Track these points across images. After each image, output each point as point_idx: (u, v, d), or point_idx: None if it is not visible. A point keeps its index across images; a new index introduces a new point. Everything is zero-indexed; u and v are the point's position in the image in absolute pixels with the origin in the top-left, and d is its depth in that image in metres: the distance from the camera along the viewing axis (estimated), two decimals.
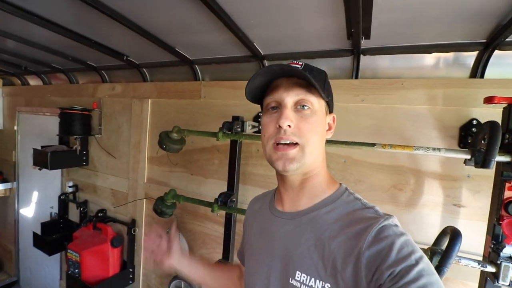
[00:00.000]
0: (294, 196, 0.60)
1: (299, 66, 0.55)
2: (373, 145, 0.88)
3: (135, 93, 1.73)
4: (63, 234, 1.95)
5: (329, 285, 0.49)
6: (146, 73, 1.69)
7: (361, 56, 1.07)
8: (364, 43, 0.99)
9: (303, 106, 0.54)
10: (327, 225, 0.53)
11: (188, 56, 1.40)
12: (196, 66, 1.47)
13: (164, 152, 1.45)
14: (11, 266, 2.69)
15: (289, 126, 0.52)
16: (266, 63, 1.26)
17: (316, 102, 0.55)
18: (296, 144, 0.53)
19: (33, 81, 2.44)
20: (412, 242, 0.47)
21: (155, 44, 1.28)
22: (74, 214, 2.06)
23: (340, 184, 0.60)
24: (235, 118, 1.15)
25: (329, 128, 0.60)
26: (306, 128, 0.53)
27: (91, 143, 1.93)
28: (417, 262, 0.43)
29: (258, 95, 0.61)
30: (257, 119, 1.27)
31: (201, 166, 1.48)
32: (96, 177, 1.91)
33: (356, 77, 1.10)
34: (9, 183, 2.59)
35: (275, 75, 0.57)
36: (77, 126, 1.72)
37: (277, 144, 0.54)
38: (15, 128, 2.55)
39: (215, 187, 1.42)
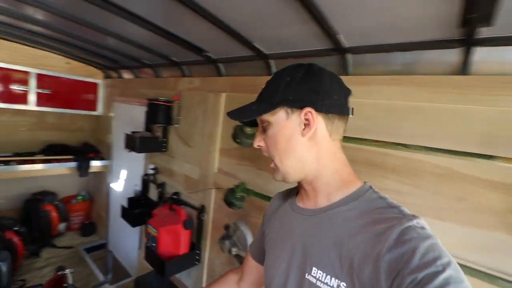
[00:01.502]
0: (311, 194, 0.61)
1: (265, 85, 0.63)
2: (489, 157, 0.72)
3: (211, 87, 1.82)
4: (144, 210, 2.22)
5: (345, 284, 0.48)
6: (222, 68, 1.76)
7: (476, 47, 0.88)
8: (482, 32, 0.81)
9: (264, 124, 0.61)
10: (347, 223, 0.52)
11: (263, 51, 1.40)
12: (271, 60, 1.45)
13: (234, 145, 1.49)
14: (102, 230, 3.23)
15: (261, 146, 0.62)
16: (350, 57, 1.16)
17: (268, 117, 0.59)
18: (272, 159, 0.60)
19: (126, 75, 2.81)
20: (439, 247, 0.43)
21: (233, 38, 1.30)
22: (153, 193, 2.32)
23: (365, 182, 0.59)
24: None
25: (308, 124, 0.57)
26: (269, 144, 0.60)
27: (170, 132, 2.13)
28: (444, 268, 0.40)
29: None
30: None
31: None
32: (173, 163, 2.11)
33: (466, 73, 0.92)
34: (105, 161, 3.08)
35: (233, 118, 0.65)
36: (160, 116, 1.91)
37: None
38: (111, 114, 2.99)
39: (283, 185, 1.40)
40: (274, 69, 1.48)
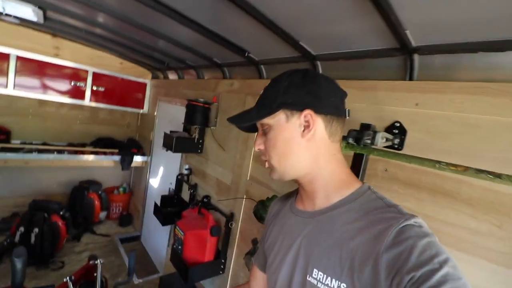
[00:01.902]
0: (310, 196, 0.62)
1: (262, 91, 0.65)
2: None
3: (250, 90, 1.73)
4: (175, 209, 2.22)
5: (345, 285, 0.48)
6: (264, 70, 1.66)
7: None
8: None
9: (264, 128, 0.62)
10: (346, 225, 0.53)
11: (311, 51, 1.26)
12: (318, 62, 1.31)
13: None
14: (138, 223, 3.35)
15: (261, 149, 0.63)
16: (416, 58, 0.96)
17: (268, 120, 0.60)
18: (267, 160, 0.63)
19: (172, 76, 2.89)
20: (436, 244, 0.44)
21: (278, 37, 1.19)
22: (185, 193, 2.31)
23: (363, 183, 0.59)
24: (365, 127, 0.92)
25: (307, 126, 0.58)
26: (268, 146, 0.61)
27: (207, 134, 2.10)
28: (440, 265, 0.40)
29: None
30: (392, 130, 0.99)
31: None
32: (207, 165, 2.07)
33: None
34: (146, 157, 3.21)
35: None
36: (198, 117, 1.88)
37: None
38: (155, 113, 3.11)
39: None
40: (321, 71, 1.33)
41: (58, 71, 2.59)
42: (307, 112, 0.57)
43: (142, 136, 3.47)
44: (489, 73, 0.85)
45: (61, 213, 2.55)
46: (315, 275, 0.54)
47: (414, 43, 0.92)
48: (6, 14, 1.81)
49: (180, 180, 2.36)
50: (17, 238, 2.22)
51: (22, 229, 2.23)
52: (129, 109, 3.20)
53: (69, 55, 2.66)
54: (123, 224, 3.40)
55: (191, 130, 2.29)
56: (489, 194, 0.80)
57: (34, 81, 2.49)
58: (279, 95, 0.59)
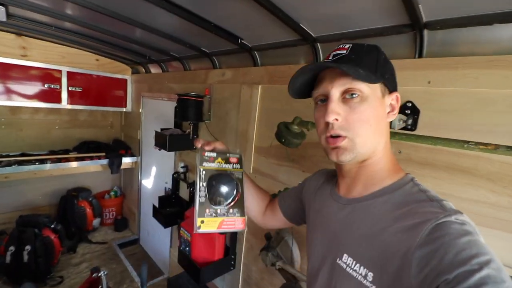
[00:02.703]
0: (351, 183, 0.60)
1: (344, 51, 0.54)
2: None
3: (245, 79, 1.65)
4: (176, 209, 2.15)
5: (372, 274, 0.48)
6: (258, 56, 1.58)
7: None
8: None
9: (351, 94, 0.52)
10: (382, 215, 0.51)
11: (311, 33, 1.20)
12: (319, 44, 1.25)
13: (274, 143, 1.32)
14: (134, 226, 3.25)
15: (336, 119, 0.52)
16: (426, 34, 0.93)
17: (366, 88, 0.52)
18: (345, 137, 0.53)
19: (154, 69, 2.73)
20: (478, 244, 0.40)
21: (278, 19, 1.12)
22: (184, 192, 2.24)
23: (407, 174, 0.56)
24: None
25: (392, 110, 0.56)
26: (355, 119, 0.52)
27: (201, 128, 2.01)
28: (481, 267, 0.36)
29: (307, 90, 0.60)
30: (404, 110, 0.97)
31: (316, 163, 1.28)
32: None
33: None
34: (135, 157, 3.07)
35: (316, 70, 0.57)
36: (191, 112, 1.78)
37: (329, 137, 0.55)
38: (140, 110, 2.95)
39: None
40: (321, 55, 1.27)
41: (27, 74, 2.36)
42: (397, 94, 0.56)
43: (128, 136, 3.30)
44: (503, 45, 0.82)
45: (52, 226, 2.41)
46: (345, 259, 0.54)
47: (425, 18, 0.88)
48: None
49: (177, 179, 2.28)
50: (8, 258, 2.08)
51: (12, 248, 2.09)
52: (110, 109, 3.01)
53: (39, 55, 2.43)
54: (119, 229, 3.29)
55: (182, 125, 2.19)
56: (507, 168, 0.80)
57: (2, 87, 2.26)
58: (380, 66, 0.53)
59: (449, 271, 0.38)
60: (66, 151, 2.92)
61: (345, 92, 0.52)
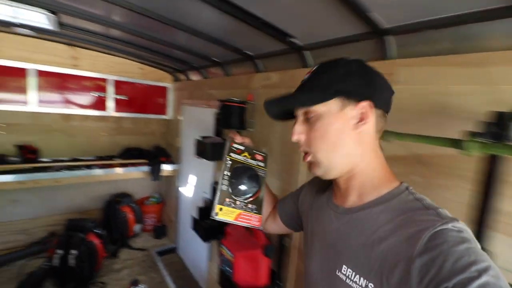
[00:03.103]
0: (344, 193, 0.60)
1: (307, 76, 0.60)
2: None
3: (293, 82, 1.46)
4: (216, 223, 2.02)
5: (372, 285, 0.48)
6: (309, 57, 1.39)
7: None
8: None
9: (309, 116, 0.56)
10: (379, 226, 0.51)
11: (379, 24, 0.98)
12: (392, 37, 1.02)
13: None
14: (172, 234, 3.23)
15: (300, 139, 0.58)
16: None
17: (319, 107, 0.55)
18: (310, 153, 0.57)
19: (195, 77, 2.69)
20: (476, 251, 0.40)
21: (342, 8, 0.92)
22: None
23: (402, 182, 0.55)
24: (504, 116, 0.63)
25: (361, 119, 0.54)
26: (313, 137, 0.56)
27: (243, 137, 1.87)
28: (479, 274, 0.37)
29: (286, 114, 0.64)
30: None
31: None
32: None
33: None
34: (175, 165, 3.05)
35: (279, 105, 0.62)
36: (234, 118, 1.65)
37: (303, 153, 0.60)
38: (180, 118, 2.93)
39: None
40: (393, 50, 1.04)
41: (78, 83, 2.48)
42: (366, 103, 0.54)
43: (169, 144, 3.32)
44: None
45: (97, 231, 2.45)
46: (344, 271, 0.54)
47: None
48: (20, 25, 1.67)
49: (216, 189, 2.15)
50: (55, 261, 2.14)
51: (60, 251, 2.15)
52: (152, 116, 3.05)
53: (88, 65, 2.54)
54: (158, 236, 3.30)
55: (223, 133, 2.08)
56: None
57: (56, 96, 2.39)
58: (335, 82, 0.55)
59: (448, 279, 0.38)
60: (111, 157, 3.01)
61: (305, 113, 0.57)
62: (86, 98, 2.52)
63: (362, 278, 0.50)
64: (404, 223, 0.47)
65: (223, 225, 1.81)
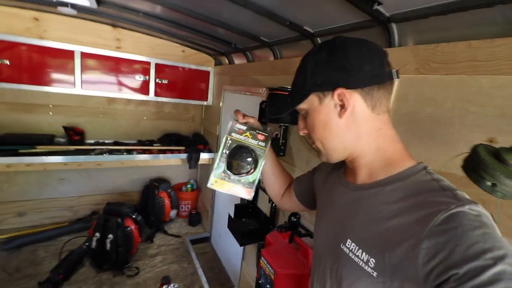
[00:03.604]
0: (353, 171, 0.61)
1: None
2: None
3: None
4: (254, 226, 1.82)
5: (374, 261, 0.48)
6: (395, 31, 1.05)
7: None
8: None
9: (302, 114, 0.62)
10: (388, 203, 0.50)
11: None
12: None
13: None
14: (207, 223, 3.15)
15: (305, 133, 0.63)
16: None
17: (303, 105, 0.59)
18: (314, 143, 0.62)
19: (238, 60, 2.45)
20: (493, 237, 0.38)
21: None
22: (264, 203, 1.89)
23: (419, 162, 0.53)
24: None
25: (342, 106, 0.54)
26: (309, 130, 0.61)
27: (291, 132, 1.60)
28: (495, 262, 0.35)
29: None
30: None
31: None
32: (293, 172, 1.58)
33: None
34: (212, 153, 2.91)
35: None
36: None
37: None
38: (220, 104, 2.75)
39: None
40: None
41: (122, 65, 2.40)
42: (339, 91, 0.53)
43: (207, 131, 3.19)
44: None
45: (133, 216, 2.43)
46: (348, 244, 0.54)
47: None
48: (58, 2, 1.57)
49: (256, 187, 1.94)
50: (93, 244, 2.16)
51: (97, 235, 2.16)
52: (192, 102, 2.91)
53: (131, 47, 2.45)
54: (192, 223, 3.25)
55: (267, 126, 1.83)
56: None
57: (101, 78, 2.35)
58: (308, 78, 0.56)
59: (459, 266, 0.36)
60: (151, 142, 2.98)
61: (300, 112, 0.63)
62: (129, 81, 2.45)
63: (364, 253, 0.50)
64: (417, 203, 0.46)
65: (262, 230, 1.60)
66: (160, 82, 2.62)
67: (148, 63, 2.52)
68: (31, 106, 2.46)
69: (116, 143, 2.78)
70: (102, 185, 2.97)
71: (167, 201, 3.05)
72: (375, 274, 0.47)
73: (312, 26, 1.35)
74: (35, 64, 2.13)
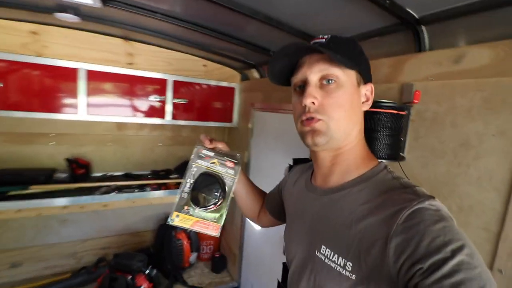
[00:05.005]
0: (326, 173, 0.60)
1: (323, 40, 0.56)
2: None
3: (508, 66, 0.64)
4: None
5: (351, 264, 0.48)
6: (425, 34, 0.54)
7: None
8: None
9: (328, 80, 0.54)
10: (357, 205, 0.51)
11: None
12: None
13: None
14: (234, 270, 2.60)
15: (313, 103, 0.54)
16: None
17: (342, 75, 0.54)
18: (320, 119, 0.54)
19: None
20: (452, 229, 0.40)
21: None
22: None
23: (380, 162, 0.57)
24: None
25: (366, 100, 0.58)
26: (330, 104, 0.54)
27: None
28: (453, 254, 0.37)
29: (287, 76, 0.61)
30: None
31: None
32: None
33: None
34: None
35: (295, 55, 0.57)
36: (381, 139, 0.87)
37: (305, 120, 0.55)
38: (249, 126, 2.29)
39: None
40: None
41: (134, 85, 2.01)
42: (371, 86, 0.58)
43: None
44: None
45: (147, 272, 1.93)
46: (323, 251, 0.53)
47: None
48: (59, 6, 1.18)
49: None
50: None
51: None
52: (214, 124, 2.47)
53: (145, 62, 2.07)
54: (216, 270, 2.70)
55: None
56: None
57: (110, 101, 1.95)
58: (357, 56, 0.56)
59: (423, 260, 0.38)
60: (167, 172, 2.53)
61: (322, 78, 0.54)
62: (143, 102, 2.05)
63: (340, 258, 0.50)
64: (382, 203, 0.47)
65: None
66: (178, 102, 2.20)
67: (165, 81, 2.12)
68: (29, 135, 2.08)
69: (126, 175, 2.35)
70: (111, 224, 2.51)
71: (186, 244, 2.53)
72: (353, 277, 0.47)
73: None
74: (33, 86, 1.76)
